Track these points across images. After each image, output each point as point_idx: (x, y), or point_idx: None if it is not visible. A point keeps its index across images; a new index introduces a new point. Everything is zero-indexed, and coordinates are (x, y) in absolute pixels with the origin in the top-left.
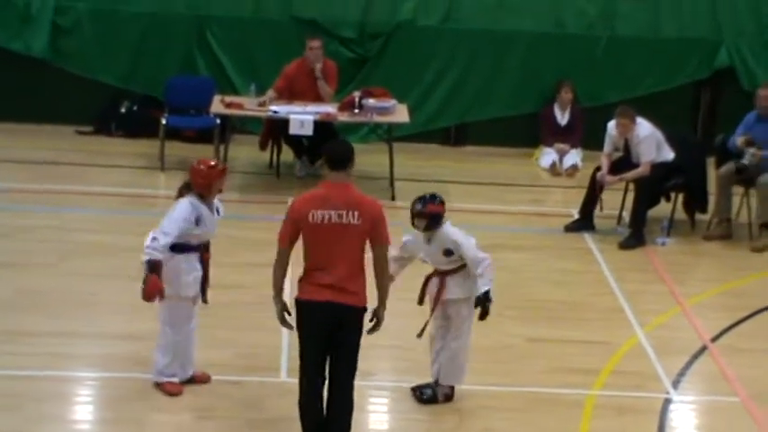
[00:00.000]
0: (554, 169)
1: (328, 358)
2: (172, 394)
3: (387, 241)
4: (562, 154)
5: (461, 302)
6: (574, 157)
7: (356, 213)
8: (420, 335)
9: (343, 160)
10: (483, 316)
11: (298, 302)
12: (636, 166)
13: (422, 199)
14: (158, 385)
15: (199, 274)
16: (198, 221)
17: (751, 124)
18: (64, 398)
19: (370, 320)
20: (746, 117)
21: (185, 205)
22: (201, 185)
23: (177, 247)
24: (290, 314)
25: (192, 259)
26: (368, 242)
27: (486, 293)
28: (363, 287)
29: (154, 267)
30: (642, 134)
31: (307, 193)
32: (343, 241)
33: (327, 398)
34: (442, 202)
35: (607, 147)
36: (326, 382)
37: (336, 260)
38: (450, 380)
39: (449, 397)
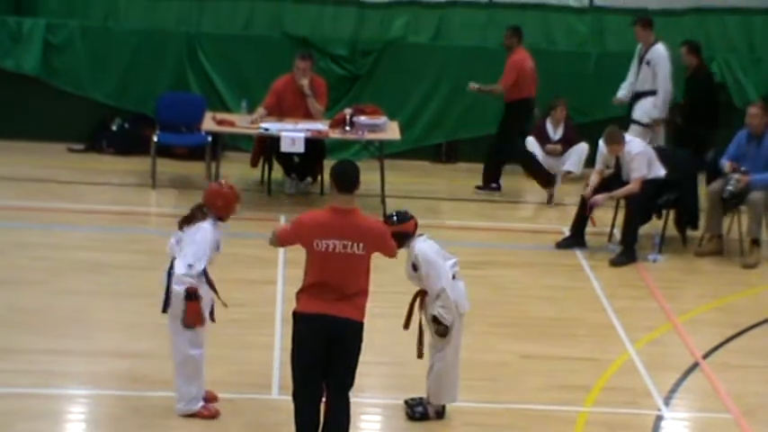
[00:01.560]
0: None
1: (326, 370)
2: (213, 417)
3: (394, 254)
4: (551, 161)
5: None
6: (573, 161)
7: (361, 245)
8: (419, 355)
9: (351, 183)
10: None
11: (296, 315)
12: (627, 183)
13: (389, 217)
14: (193, 415)
15: (210, 294)
16: (218, 245)
17: (742, 144)
18: (56, 416)
19: None
20: (737, 135)
21: (210, 229)
22: (222, 208)
23: None
24: None
25: (203, 281)
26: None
27: (434, 317)
28: (363, 304)
29: (194, 295)
30: (634, 151)
31: (314, 215)
32: (347, 268)
33: (325, 410)
34: (405, 220)
35: (598, 164)
36: (322, 394)
37: (339, 282)
38: (438, 399)
39: (440, 414)
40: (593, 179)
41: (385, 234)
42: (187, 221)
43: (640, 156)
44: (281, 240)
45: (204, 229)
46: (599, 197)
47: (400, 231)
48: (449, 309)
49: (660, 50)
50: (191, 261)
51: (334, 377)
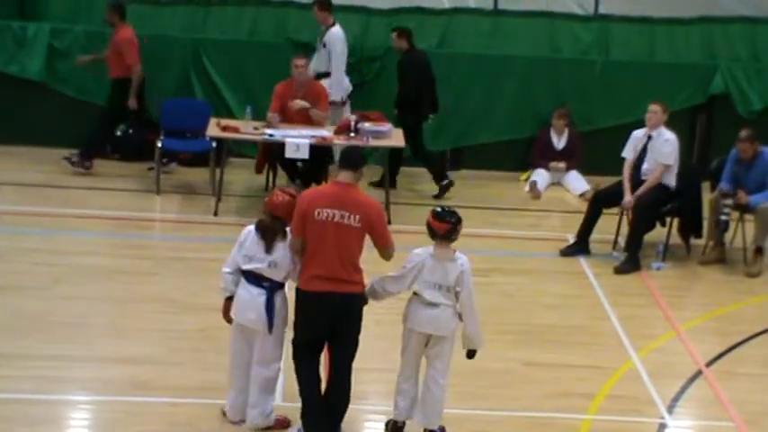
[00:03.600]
0: (533, 191)
1: (327, 346)
2: (289, 426)
3: (390, 244)
4: (556, 174)
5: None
6: (581, 182)
7: (357, 217)
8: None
9: (356, 162)
10: None
11: (299, 292)
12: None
13: (451, 215)
14: (271, 428)
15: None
16: None
17: (734, 166)
18: (57, 422)
19: None
20: (731, 155)
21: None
22: (289, 217)
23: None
24: None
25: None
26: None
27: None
28: (361, 278)
29: None
30: (667, 135)
31: (316, 189)
32: (343, 239)
33: (327, 383)
34: (441, 217)
35: (628, 153)
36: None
37: (336, 254)
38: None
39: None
40: (629, 198)
41: (381, 214)
42: (269, 235)
43: (673, 142)
44: (294, 227)
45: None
46: (629, 200)
47: (427, 223)
48: (375, 285)
49: (336, 33)
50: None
51: (338, 347)
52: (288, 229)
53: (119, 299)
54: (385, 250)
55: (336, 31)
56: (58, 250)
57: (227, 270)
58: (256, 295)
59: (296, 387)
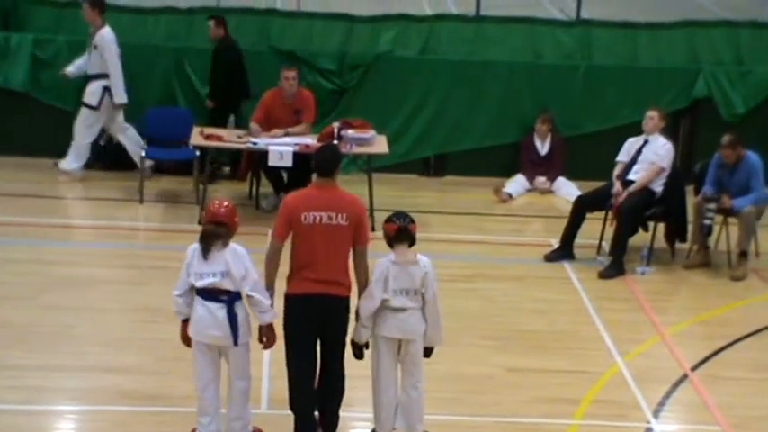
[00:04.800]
0: (500, 195)
1: (318, 347)
2: None
3: (367, 241)
4: (540, 189)
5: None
6: (571, 187)
7: (344, 215)
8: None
9: (330, 169)
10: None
11: (288, 297)
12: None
13: (401, 216)
14: None
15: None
16: None
17: (717, 170)
18: None
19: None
20: (715, 157)
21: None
22: (231, 225)
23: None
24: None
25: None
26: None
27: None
28: (349, 279)
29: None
30: (663, 140)
31: (299, 193)
32: (333, 240)
33: (319, 385)
34: (393, 221)
35: (622, 156)
36: (316, 366)
37: (326, 257)
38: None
39: None
40: (618, 187)
41: (364, 211)
42: (207, 244)
43: (669, 148)
44: (276, 232)
45: (244, 251)
46: (618, 189)
47: (384, 230)
48: (359, 326)
49: (106, 35)
50: (261, 284)
51: (329, 350)
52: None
53: (104, 308)
54: (363, 247)
55: (107, 33)
56: (42, 260)
57: (177, 293)
58: (215, 310)
59: (282, 395)
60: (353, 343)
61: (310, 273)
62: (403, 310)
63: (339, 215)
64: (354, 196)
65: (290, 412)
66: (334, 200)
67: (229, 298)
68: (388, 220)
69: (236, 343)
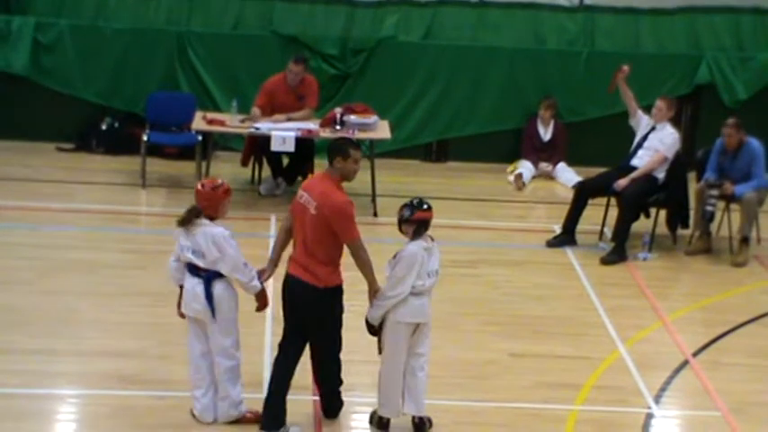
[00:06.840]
0: (517, 182)
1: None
2: (259, 420)
3: (351, 236)
4: (544, 173)
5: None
6: (570, 173)
7: (315, 204)
8: (380, 351)
9: (329, 158)
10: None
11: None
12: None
13: (409, 205)
14: (240, 420)
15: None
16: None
17: (719, 156)
18: (44, 416)
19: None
20: (716, 145)
21: (227, 232)
22: (209, 207)
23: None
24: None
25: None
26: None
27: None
28: (326, 274)
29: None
30: (671, 129)
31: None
32: (303, 224)
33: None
34: (420, 207)
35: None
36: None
37: (302, 240)
38: (379, 408)
39: (383, 426)
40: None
41: (340, 210)
42: (184, 223)
43: (675, 136)
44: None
45: (228, 236)
46: (622, 181)
47: (418, 219)
48: (378, 308)
49: None
50: (245, 268)
51: (310, 341)
52: (204, 217)
53: (104, 293)
54: (351, 243)
55: None
56: (43, 244)
57: (171, 259)
58: (195, 285)
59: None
60: (368, 322)
61: (293, 253)
62: (421, 294)
63: (312, 202)
64: (336, 194)
65: (290, 397)
66: (316, 186)
67: (207, 275)
68: (420, 208)
69: (213, 317)
